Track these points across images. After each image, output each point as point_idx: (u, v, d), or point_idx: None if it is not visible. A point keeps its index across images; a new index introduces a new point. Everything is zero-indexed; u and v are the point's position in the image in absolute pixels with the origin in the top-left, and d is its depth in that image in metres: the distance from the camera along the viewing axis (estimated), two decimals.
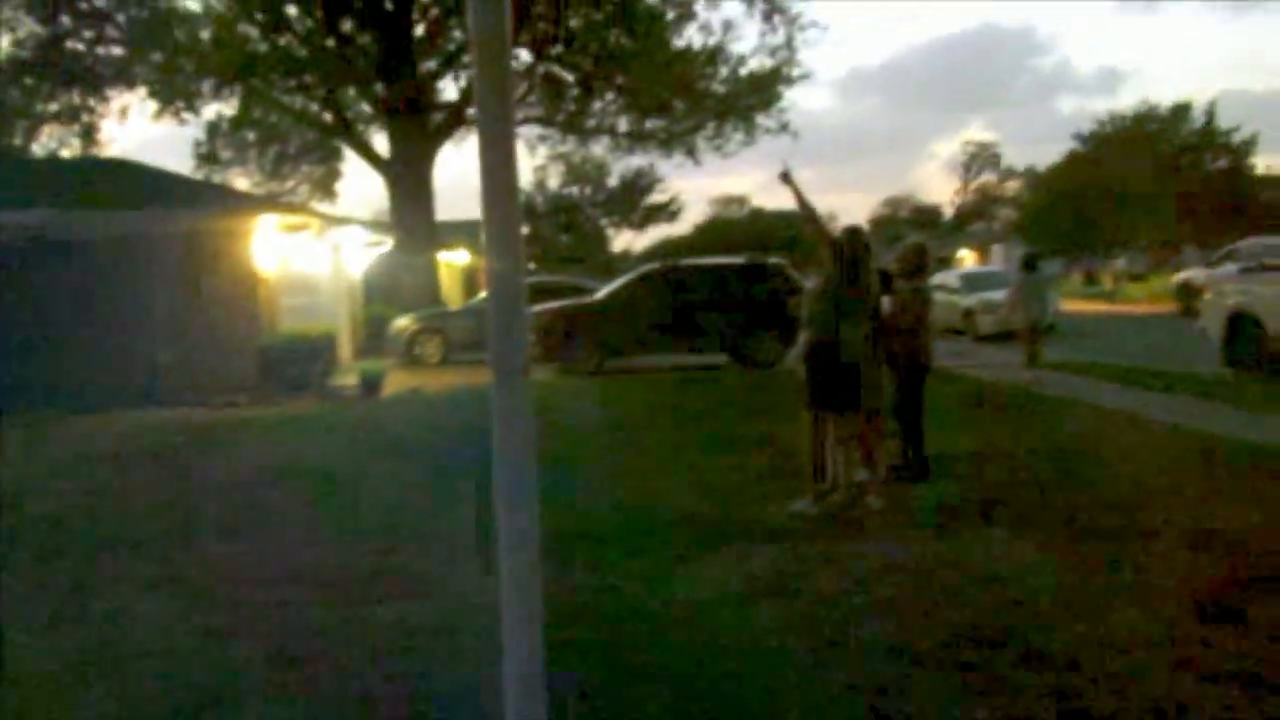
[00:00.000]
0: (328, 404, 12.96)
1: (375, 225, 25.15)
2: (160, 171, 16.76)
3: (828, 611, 4.26)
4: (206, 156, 36.94)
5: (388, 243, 22.19)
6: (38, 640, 4.27)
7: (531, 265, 45.26)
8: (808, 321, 6.46)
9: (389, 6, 22.26)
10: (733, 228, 64.05)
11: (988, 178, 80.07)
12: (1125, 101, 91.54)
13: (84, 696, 3.71)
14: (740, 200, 72.81)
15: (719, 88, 25.63)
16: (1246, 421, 8.59)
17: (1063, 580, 4.56)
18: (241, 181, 40.22)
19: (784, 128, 26.15)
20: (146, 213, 14.38)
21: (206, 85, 23.50)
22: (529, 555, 2.64)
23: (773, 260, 17.60)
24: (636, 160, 36.14)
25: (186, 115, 24.14)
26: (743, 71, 25.42)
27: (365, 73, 23.16)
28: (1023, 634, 3.90)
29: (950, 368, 13.07)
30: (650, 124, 27.24)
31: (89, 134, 25.72)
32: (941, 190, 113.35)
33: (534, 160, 38.98)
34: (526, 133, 27.93)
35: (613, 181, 55.78)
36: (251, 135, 35.06)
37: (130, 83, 23.49)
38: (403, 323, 19.24)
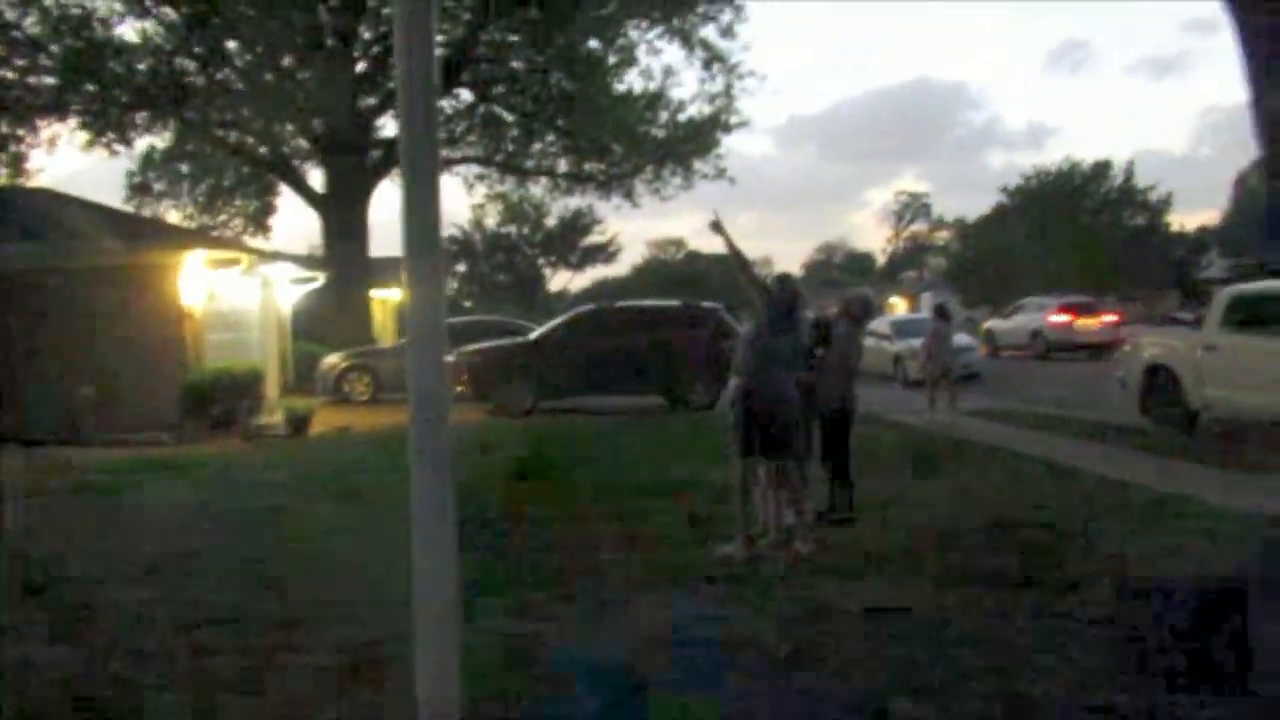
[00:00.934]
0: (252, 443, 12.69)
1: (308, 260, 24.83)
2: (86, 202, 16.38)
3: (747, 660, 4.23)
4: (139, 188, 36.21)
5: (320, 278, 21.90)
6: None
7: (467, 304, 45.07)
8: (739, 367, 6.50)
9: (329, 43, 22.16)
10: (670, 270, 64.60)
11: (919, 226, 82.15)
12: (1052, 156, 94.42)
13: None
14: (678, 243, 73.66)
15: (658, 132, 25.93)
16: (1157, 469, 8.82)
17: (983, 632, 4.59)
18: (174, 214, 39.46)
19: (721, 173, 26.59)
20: (70, 244, 14.03)
21: (140, 117, 23.10)
22: (445, 598, 2.59)
23: (708, 304, 17.73)
24: (575, 201, 36.27)
25: (118, 147, 23.68)
26: (682, 117, 25.82)
27: (303, 108, 22.98)
28: (945, 688, 3.91)
29: (879, 413, 13.24)
30: (589, 166, 27.41)
31: (16, 164, 25.05)
32: (874, 238, 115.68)
33: (472, 199, 38.99)
34: (465, 171, 28.01)
35: (551, 221, 55.93)
36: (185, 168, 34.41)
37: (62, 113, 22.97)
38: (332, 360, 18.96)
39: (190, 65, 22.31)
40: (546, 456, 9.75)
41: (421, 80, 2.61)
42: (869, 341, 16.11)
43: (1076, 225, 45.84)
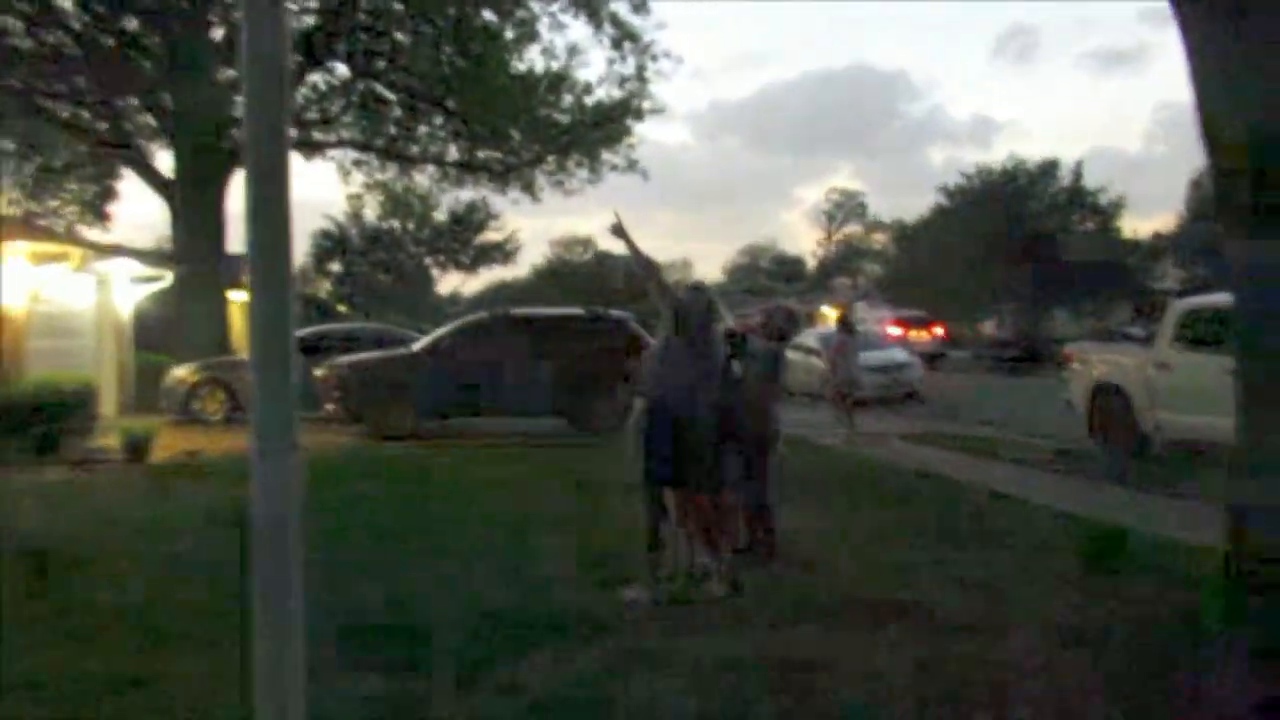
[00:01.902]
0: (80, 470, 12.15)
1: (155, 256, 24.15)
2: None
3: None
4: None
5: (168, 277, 21.29)
6: None
7: (342, 309, 44.31)
8: (646, 386, 6.48)
9: (181, 4, 21.61)
10: (576, 273, 64.65)
11: (853, 228, 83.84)
12: (999, 154, 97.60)
13: None
14: (585, 242, 73.67)
15: (562, 118, 25.92)
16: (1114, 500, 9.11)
17: (911, 680, 4.65)
18: None
19: (632, 165, 26.71)
20: None
21: None
22: (290, 653, 2.49)
23: (617, 312, 17.71)
24: (467, 194, 35.99)
25: None
26: (589, 101, 25.83)
27: (150, 79, 22.33)
28: None
29: (805, 436, 13.39)
30: (483, 154, 27.25)
31: None
32: (805, 240, 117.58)
33: (348, 187, 38.35)
34: (340, 156, 27.57)
35: (440, 215, 55.37)
36: (8, 144, 33.15)
37: None
38: (181, 373, 18.44)
39: (15, 25, 21.53)
40: (422, 486, 9.59)
41: (269, 54, 2.50)
42: (795, 357, 16.43)
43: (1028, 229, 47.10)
